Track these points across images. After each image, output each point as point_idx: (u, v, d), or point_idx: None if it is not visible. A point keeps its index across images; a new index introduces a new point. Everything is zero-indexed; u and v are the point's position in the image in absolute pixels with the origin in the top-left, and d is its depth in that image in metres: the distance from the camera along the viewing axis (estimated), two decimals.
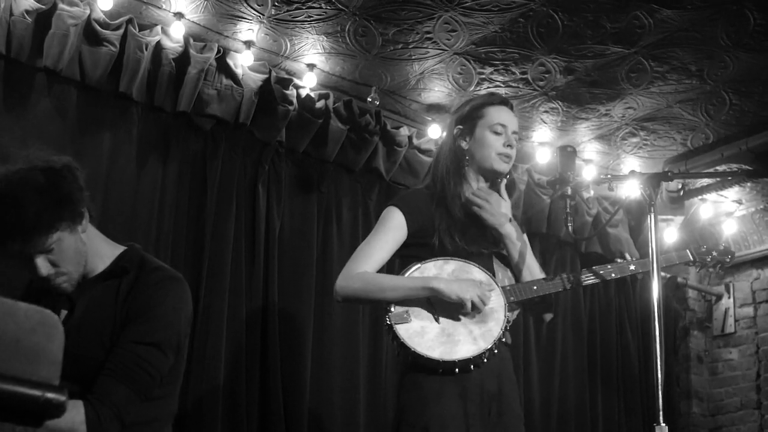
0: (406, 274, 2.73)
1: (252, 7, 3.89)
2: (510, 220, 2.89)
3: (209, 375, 3.89)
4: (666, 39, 4.07)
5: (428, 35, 4.07)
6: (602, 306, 5.62)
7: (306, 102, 4.37)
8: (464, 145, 2.91)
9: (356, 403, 4.35)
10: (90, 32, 3.79)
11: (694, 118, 4.83)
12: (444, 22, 3.96)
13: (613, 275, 2.96)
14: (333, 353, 4.35)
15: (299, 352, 4.20)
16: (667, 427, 2.38)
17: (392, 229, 2.81)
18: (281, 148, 4.38)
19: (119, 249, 2.41)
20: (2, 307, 1.21)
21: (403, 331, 2.63)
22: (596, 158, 5.33)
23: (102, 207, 3.68)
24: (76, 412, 2.06)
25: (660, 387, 2.42)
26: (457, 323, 2.66)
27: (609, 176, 5.26)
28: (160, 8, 3.93)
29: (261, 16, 3.95)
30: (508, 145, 2.89)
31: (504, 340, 2.72)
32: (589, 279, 2.92)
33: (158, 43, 3.96)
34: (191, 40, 4.06)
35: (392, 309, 2.66)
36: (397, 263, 2.88)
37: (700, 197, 5.63)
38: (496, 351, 2.65)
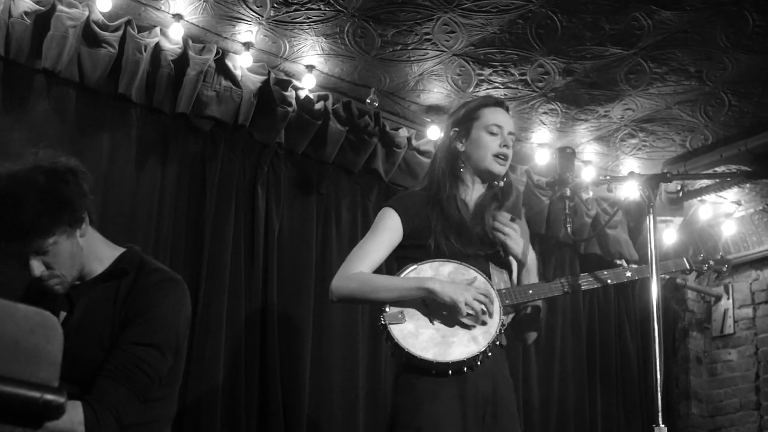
0: (402, 275, 2.73)
1: (251, 9, 3.89)
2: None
3: (208, 375, 3.89)
4: (665, 40, 4.07)
5: (427, 36, 4.07)
6: (601, 307, 5.62)
7: (305, 103, 4.37)
8: (460, 147, 2.91)
9: (355, 404, 4.35)
10: (89, 34, 3.79)
11: (693, 119, 4.83)
12: (443, 24, 3.96)
13: (609, 281, 2.96)
14: (332, 354, 4.35)
15: (298, 353, 4.20)
16: (666, 428, 2.38)
17: (388, 230, 2.81)
18: (280, 149, 4.38)
19: (119, 251, 2.41)
20: (1, 309, 1.21)
21: (397, 331, 2.63)
22: (595, 159, 5.33)
23: (101, 208, 3.68)
24: (75, 413, 2.06)
25: (659, 388, 2.42)
26: (451, 325, 2.65)
27: (608, 177, 5.26)
28: (159, 10, 3.93)
29: (260, 17, 3.95)
30: (505, 146, 2.88)
31: (498, 342, 2.72)
32: (585, 284, 2.92)
33: (157, 45, 3.96)
34: (190, 42, 4.06)
35: (387, 309, 2.66)
36: (395, 265, 2.88)
37: (699, 198, 5.63)
38: (489, 354, 2.65)
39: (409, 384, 2.65)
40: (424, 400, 2.60)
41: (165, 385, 2.29)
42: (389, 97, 4.62)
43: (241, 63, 4.18)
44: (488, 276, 2.78)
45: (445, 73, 4.39)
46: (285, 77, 4.35)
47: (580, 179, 5.08)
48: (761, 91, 4.52)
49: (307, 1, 3.82)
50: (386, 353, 4.43)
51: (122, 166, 3.92)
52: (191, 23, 4.01)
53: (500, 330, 2.69)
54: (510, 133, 2.91)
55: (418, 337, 2.62)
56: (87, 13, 3.77)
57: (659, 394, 2.42)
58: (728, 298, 6.06)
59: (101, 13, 3.84)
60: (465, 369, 2.61)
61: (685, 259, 3.16)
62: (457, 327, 2.65)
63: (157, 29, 3.98)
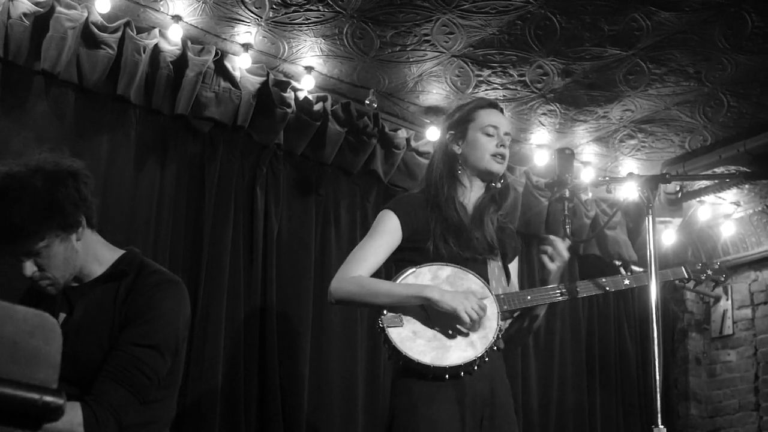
0: (401, 279, 2.72)
1: (250, 10, 3.89)
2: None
3: (208, 377, 3.89)
4: (664, 41, 4.07)
5: (426, 38, 4.07)
6: (600, 308, 5.62)
7: (304, 104, 4.37)
8: (457, 149, 2.92)
9: (354, 405, 4.35)
10: (88, 35, 3.79)
11: (692, 120, 4.83)
12: (442, 25, 3.96)
13: (608, 288, 2.96)
14: (331, 355, 4.35)
15: (297, 354, 4.20)
16: (665, 429, 2.38)
17: (387, 233, 2.80)
18: (279, 150, 4.38)
19: (118, 253, 2.41)
20: (0, 310, 1.20)
21: (395, 334, 2.62)
22: (594, 160, 5.33)
23: (100, 209, 3.67)
24: (74, 414, 2.06)
25: (658, 389, 2.42)
26: (449, 329, 2.65)
27: (607, 178, 5.25)
28: (157, 11, 3.93)
29: (259, 19, 3.95)
30: (502, 146, 2.89)
31: (496, 347, 2.72)
32: (583, 290, 2.92)
33: (156, 46, 3.96)
34: (189, 43, 4.06)
35: (385, 312, 2.66)
36: (393, 268, 2.87)
37: (698, 199, 5.63)
38: (487, 359, 2.65)
39: (407, 387, 2.65)
40: (421, 403, 2.60)
41: (164, 386, 2.29)
42: (388, 98, 4.62)
43: (240, 64, 4.18)
44: (486, 280, 2.77)
45: (444, 74, 4.39)
46: (284, 78, 4.35)
47: (579, 180, 5.08)
48: (760, 91, 4.52)
49: (305, 2, 3.82)
50: (385, 354, 4.43)
51: (121, 167, 3.92)
52: (190, 24, 4.01)
53: (498, 335, 2.69)
54: (506, 134, 2.92)
55: (416, 340, 2.62)
56: (86, 14, 3.77)
57: (658, 395, 2.42)
58: (727, 299, 6.06)
59: (100, 14, 3.84)
60: (462, 373, 2.62)
61: (683, 268, 3.16)
62: (454, 331, 2.65)
63: (156, 30, 3.98)
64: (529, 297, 2.82)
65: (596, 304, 5.60)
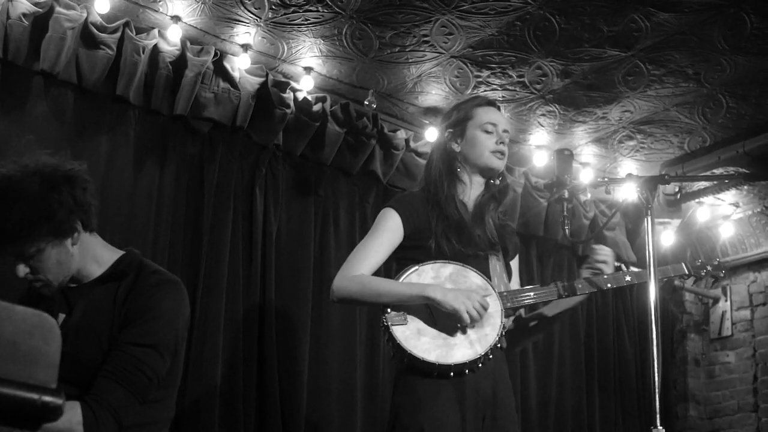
0: (404, 277, 2.72)
1: (249, 11, 3.89)
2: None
3: (207, 376, 3.89)
4: (663, 42, 4.08)
5: (425, 38, 4.07)
6: (599, 309, 5.62)
7: (303, 105, 4.37)
8: (456, 147, 2.92)
9: (353, 404, 4.35)
10: (87, 35, 3.79)
11: (691, 121, 4.83)
12: (441, 26, 3.97)
13: (608, 285, 2.96)
14: (330, 355, 4.35)
15: (296, 354, 4.20)
16: (664, 430, 2.38)
17: (388, 231, 2.81)
18: (278, 151, 4.38)
19: (117, 254, 2.41)
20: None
21: (399, 333, 2.63)
22: (593, 161, 5.34)
23: (99, 210, 3.67)
24: (73, 413, 2.06)
25: (657, 390, 2.42)
26: (453, 327, 2.66)
27: (606, 179, 5.24)
28: (157, 11, 3.93)
29: (258, 19, 3.95)
30: (501, 142, 2.90)
31: (500, 345, 2.72)
32: (584, 288, 2.92)
33: (155, 47, 3.96)
34: (188, 44, 4.06)
35: (389, 310, 2.66)
36: (395, 266, 2.88)
37: (697, 200, 5.63)
38: (491, 356, 2.65)
39: (410, 385, 2.65)
40: (425, 401, 2.61)
41: (164, 386, 2.29)
42: (387, 99, 4.62)
43: (239, 65, 4.18)
44: (488, 277, 2.78)
45: (443, 75, 4.39)
46: (283, 79, 4.35)
47: (578, 181, 5.08)
48: (759, 92, 4.52)
49: (305, 2, 3.82)
50: (384, 354, 4.44)
51: (120, 167, 3.92)
52: (189, 25, 4.01)
53: (501, 333, 2.69)
54: (505, 131, 2.93)
55: (420, 338, 2.63)
56: (85, 14, 3.77)
57: (657, 397, 2.42)
58: (726, 300, 6.06)
59: (99, 14, 3.84)
60: (466, 371, 2.62)
61: (683, 264, 3.17)
62: (459, 329, 2.65)
63: (155, 31, 3.98)
64: (531, 294, 2.83)
65: (595, 304, 5.60)
